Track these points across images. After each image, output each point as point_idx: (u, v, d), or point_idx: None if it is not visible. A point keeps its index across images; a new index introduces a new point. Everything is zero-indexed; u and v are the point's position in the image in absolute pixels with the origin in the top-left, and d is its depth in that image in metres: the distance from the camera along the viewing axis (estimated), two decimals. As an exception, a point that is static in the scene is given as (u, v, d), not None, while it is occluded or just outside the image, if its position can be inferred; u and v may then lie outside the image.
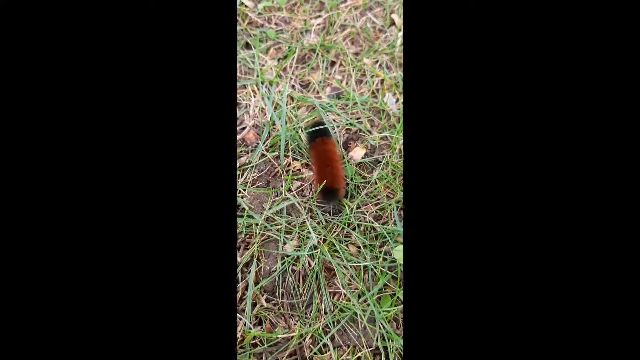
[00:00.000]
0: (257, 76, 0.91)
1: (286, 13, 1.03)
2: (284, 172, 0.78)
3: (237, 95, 0.90)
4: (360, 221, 0.73)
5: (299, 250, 0.70)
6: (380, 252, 0.70)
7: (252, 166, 0.78)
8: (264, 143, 0.81)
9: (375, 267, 0.68)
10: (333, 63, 0.96)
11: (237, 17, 1.01)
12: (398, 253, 0.67)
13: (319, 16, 1.04)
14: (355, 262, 0.69)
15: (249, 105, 0.88)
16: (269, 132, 0.82)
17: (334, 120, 0.85)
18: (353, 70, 0.93)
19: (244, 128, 0.85)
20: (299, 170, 0.79)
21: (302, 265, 0.68)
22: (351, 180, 0.77)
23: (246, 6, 1.04)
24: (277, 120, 0.83)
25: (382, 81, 0.92)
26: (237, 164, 0.78)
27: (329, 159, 0.74)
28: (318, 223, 0.73)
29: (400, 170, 0.78)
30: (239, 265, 0.69)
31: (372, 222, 0.73)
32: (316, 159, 0.75)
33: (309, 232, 0.71)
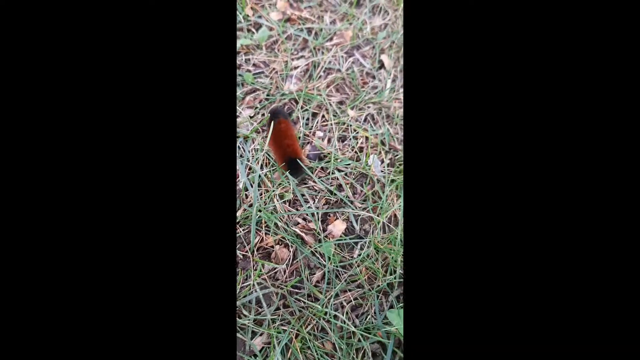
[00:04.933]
0: (231, 130, 0.83)
1: (265, 52, 0.95)
2: (254, 253, 0.71)
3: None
4: (337, 312, 0.66)
5: (268, 348, 0.63)
6: (358, 354, 0.64)
7: (220, 246, 0.70)
8: (234, 215, 0.73)
9: (351, 374, 0.62)
10: (315, 114, 0.88)
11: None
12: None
13: (302, 57, 0.96)
14: (329, 364, 0.63)
15: (220, 166, 0.80)
16: (240, 202, 0.75)
17: (314, 189, 0.78)
18: (336, 126, 0.85)
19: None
20: (272, 247, 0.72)
21: (271, 366, 0.62)
22: (329, 260, 0.70)
23: (222, 44, 0.95)
24: (249, 187, 0.76)
25: (366, 138, 0.85)
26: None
27: (287, 136, 0.77)
28: (291, 314, 0.66)
29: (382, 250, 0.71)
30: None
31: (348, 320, 0.66)
32: (274, 136, 0.77)
33: (281, 327, 0.64)
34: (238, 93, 0.88)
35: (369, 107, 0.90)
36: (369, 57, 0.98)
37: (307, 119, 0.87)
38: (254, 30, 0.98)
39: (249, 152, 0.81)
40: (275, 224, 0.73)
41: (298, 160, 0.75)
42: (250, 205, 0.74)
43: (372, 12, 1.06)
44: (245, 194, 0.76)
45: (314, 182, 0.78)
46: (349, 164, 0.81)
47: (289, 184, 0.77)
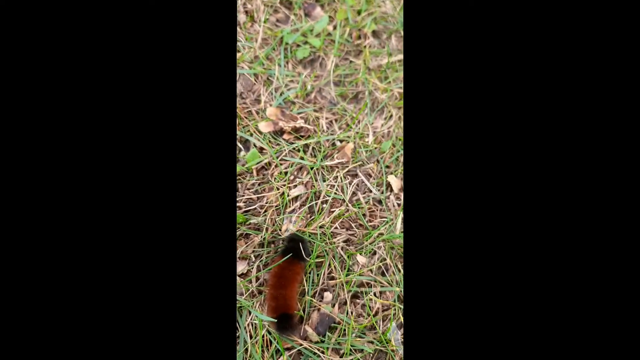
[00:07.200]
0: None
1: (257, 179, 0.80)
2: None
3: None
4: None
5: None
6: None
7: None
8: None
9: None
10: (319, 264, 0.75)
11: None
12: None
13: (300, 182, 0.82)
14: None
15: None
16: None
17: (327, 382, 0.66)
18: (346, 283, 0.73)
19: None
20: None
21: None
22: None
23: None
24: (251, 387, 0.62)
25: (382, 298, 0.73)
26: None
27: (288, 284, 0.67)
28: None
29: None
30: None
31: None
32: (275, 277, 0.67)
33: None
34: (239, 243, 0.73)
35: (379, 247, 0.78)
36: (374, 176, 0.86)
37: (310, 271, 0.73)
38: (240, 146, 0.82)
39: (244, 329, 0.66)
40: None
41: (290, 317, 0.65)
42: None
43: (371, 109, 0.93)
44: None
45: (328, 371, 0.66)
46: (364, 337, 0.69)
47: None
